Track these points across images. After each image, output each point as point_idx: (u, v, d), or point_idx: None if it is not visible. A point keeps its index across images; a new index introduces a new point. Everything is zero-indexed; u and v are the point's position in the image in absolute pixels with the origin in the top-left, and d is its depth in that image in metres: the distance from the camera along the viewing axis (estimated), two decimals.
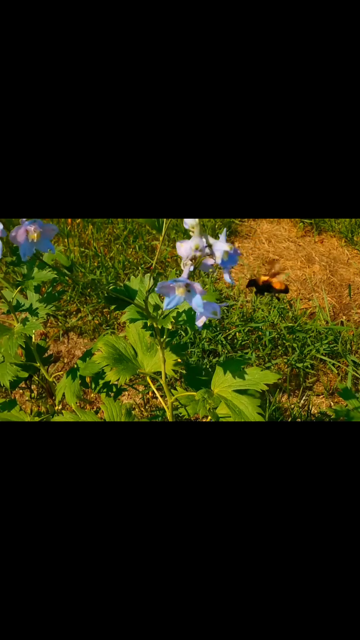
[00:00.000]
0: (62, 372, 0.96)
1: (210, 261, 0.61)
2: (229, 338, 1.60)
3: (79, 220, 2.22)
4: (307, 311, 1.71)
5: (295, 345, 1.54)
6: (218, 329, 1.62)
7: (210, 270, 0.63)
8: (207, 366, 1.52)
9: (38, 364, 0.94)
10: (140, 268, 1.91)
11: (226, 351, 1.55)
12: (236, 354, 1.54)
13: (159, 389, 1.42)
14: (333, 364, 1.52)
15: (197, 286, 0.58)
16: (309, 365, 1.51)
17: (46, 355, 0.98)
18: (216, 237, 0.63)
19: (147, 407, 1.49)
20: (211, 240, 0.61)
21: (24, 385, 1.16)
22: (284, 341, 1.56)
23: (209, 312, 0.62)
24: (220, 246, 0.59)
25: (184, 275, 0.61)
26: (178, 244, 0.61)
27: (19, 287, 0.86)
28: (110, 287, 0.79)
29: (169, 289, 0.60)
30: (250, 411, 0.76)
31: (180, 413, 0.92)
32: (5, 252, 0.76)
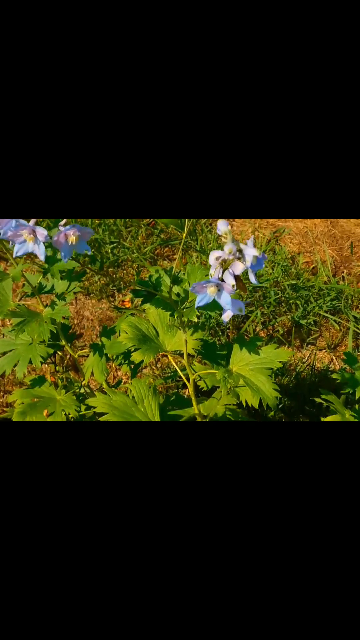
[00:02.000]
0: (84, 352, 1.02)
1: (239, 266, 0.66)
2: None
3: None
4: (310, 267, 1.75)
5: (298, 302, 1.60)
6: None
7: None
8: (214, 324, 1.58)
9: (63, 342, 0.99)
10: (142, 225, 1.92)
11: None
12: None
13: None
14: (335, 320, 1.59)
15: (227, 286, 0.64)
16: (312, 322, 1.58)
17: (69, 332, 1.03)
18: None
19: (157, 365, 1.57)
20: (241, 245, 0.65)
21: (49, 361, 1.22)
22: (288, 298, 1.62)
23: (236, 309, 0.67)
24: (251, 251, 0.64)
25: (215, 276, 0.66)
26: (212, 253, 0.66)
27: (44, 273, 0.90)
28: (137, 281, 0.83)
29: (202, 288, 0.65)
30: (267, 387, 0.83)
31: (200, 386, 0.99)
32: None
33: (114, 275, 1.81)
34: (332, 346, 1.56)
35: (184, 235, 0.71)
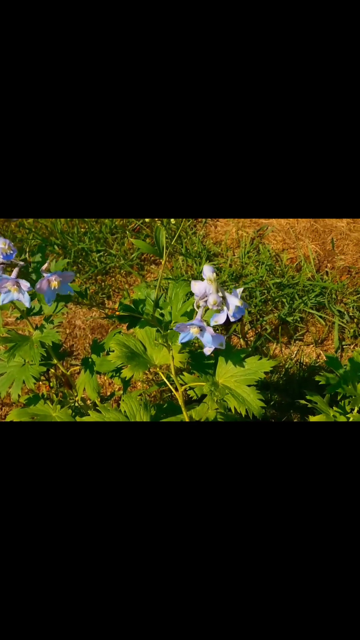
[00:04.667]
0: (76, 364, 1.05)
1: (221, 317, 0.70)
2: None
3: None
4: (294, 264, 1.79)
5: (284, 300, 1.63)
6: None
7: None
8: None
9: (54, 361, 1.03)
10: (127, 231, 1.95)
11: None
12: None
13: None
14: (320, 316, 1.63)
15: (209, 329, 0.69)
16: (298, 319, 1.62)
17: (61, 350, 1.06)
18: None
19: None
20: (226, 294, 0.70)
21: (42, 378, 1.26)
22: (274, 297, 1.66)
23: (217, 343, 0.71)
24: (233, 301, 0.69)
25: (198, 317, 0.70)
26: (193, 283, 0.70)
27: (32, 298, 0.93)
28: (121, 306, 0.86)
29: (185, 328, 0.70)
30: (252, 398, 0.86)
31: (189, 394, 1.03)
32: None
33: (103, 283, 1.84)
34: (319, 341, 1.60)
35: (163, 261, 0.74)
